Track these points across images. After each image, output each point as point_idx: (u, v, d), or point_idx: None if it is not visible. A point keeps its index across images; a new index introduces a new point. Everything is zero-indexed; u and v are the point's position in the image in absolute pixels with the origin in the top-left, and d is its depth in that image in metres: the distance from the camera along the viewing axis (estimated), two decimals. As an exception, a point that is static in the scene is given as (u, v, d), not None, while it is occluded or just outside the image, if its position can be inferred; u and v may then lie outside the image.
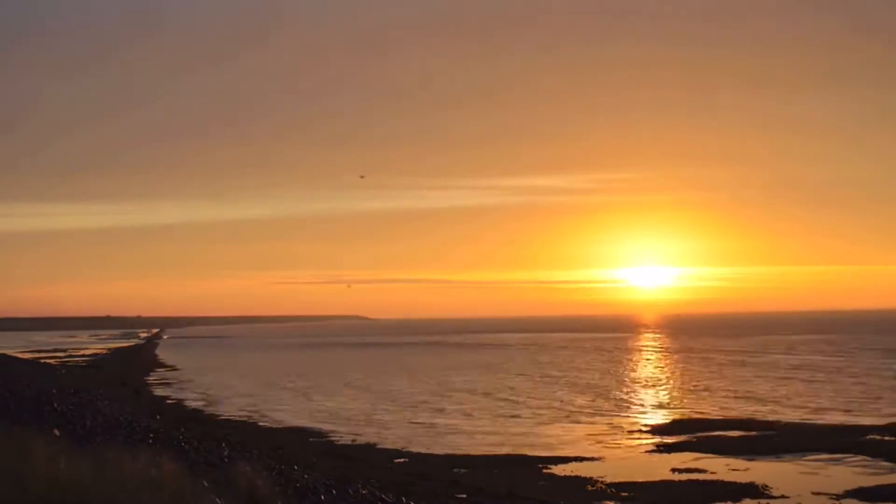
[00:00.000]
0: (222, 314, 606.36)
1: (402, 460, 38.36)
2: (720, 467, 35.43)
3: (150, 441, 30.01)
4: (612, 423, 50.35)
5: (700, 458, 37.63)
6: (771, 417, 50.82)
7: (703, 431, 45.45)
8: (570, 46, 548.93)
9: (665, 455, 38.88)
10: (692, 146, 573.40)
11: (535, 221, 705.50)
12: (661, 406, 59.69)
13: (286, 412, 59.05)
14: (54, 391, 51.40)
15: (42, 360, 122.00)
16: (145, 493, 12.99)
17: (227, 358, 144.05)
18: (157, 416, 47.98)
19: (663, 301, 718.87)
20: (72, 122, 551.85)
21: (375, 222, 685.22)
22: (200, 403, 65.54)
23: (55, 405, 40.55)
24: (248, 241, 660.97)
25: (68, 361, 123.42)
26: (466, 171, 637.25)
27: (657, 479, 33.18)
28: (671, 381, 79.04)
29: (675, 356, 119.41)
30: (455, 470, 35.35)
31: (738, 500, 29.45)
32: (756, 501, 29.34)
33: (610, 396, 66.13)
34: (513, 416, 54.63)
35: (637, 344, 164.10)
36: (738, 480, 32.24)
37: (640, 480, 32.72)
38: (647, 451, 40.26)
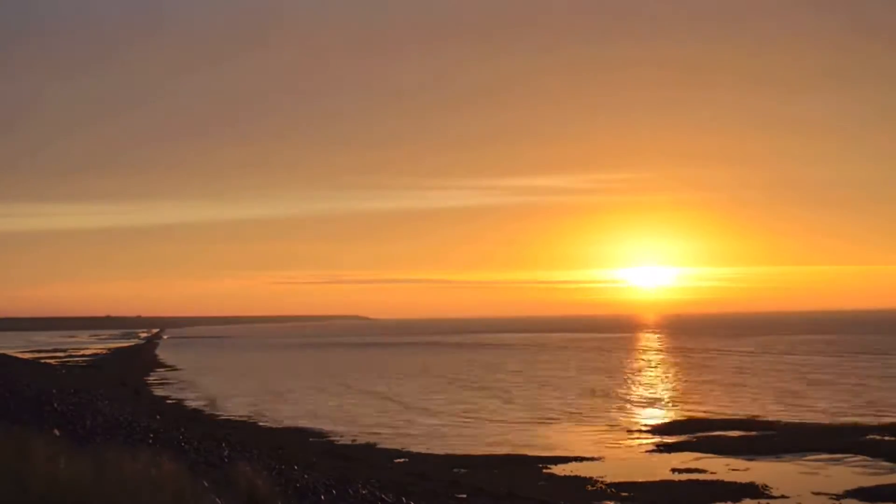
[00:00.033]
0: (222, 314, 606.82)
1: (402, 460, 38.34)
2: (720, 467, 35.43)
3: (150, 441, 30.02)
4: (612, 423, 50.35)
5: (700, 458, 37.63)
6: (771, 417, 50.82)
7: (703, 431, 45.43)
8: (570, 46, 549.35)
9: (665, 455, 38.87)
10: (692, 146, 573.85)
11: (535, 221, 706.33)
12: (661, 406, 59.70)
13: (286, 412, 59.04)
14: (54, 391, 51.39)
15: (42, 360, 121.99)
16: (145, 493, 12.99)
17: (228, 358, 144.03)
18: (157, 416, 47.98)
19: (663, 301, 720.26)
20: (72, 122, 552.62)
21: (375, 222, 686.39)
22: (200, 403, 65.52)
23: (55, 405, 40.55)
24: (248, 241, 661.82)
25: (68, 361, 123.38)
26: (466, 171, 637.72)
27: (657, 479, 33.17)
28: (671, 381, 79.08)
29: (675, 356, 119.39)
30: (455, 470, 35.32)
31: (738, 500, 29.44)
32: (756, 501, 29.33)
33: (610, 396, 66.13)
34: (513, 416, 54.64)
35: (637, 344, 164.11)
36: (738, 480, 32.23)
37: (640, 480, 32.71)
38: (647, 451, 40.25)
